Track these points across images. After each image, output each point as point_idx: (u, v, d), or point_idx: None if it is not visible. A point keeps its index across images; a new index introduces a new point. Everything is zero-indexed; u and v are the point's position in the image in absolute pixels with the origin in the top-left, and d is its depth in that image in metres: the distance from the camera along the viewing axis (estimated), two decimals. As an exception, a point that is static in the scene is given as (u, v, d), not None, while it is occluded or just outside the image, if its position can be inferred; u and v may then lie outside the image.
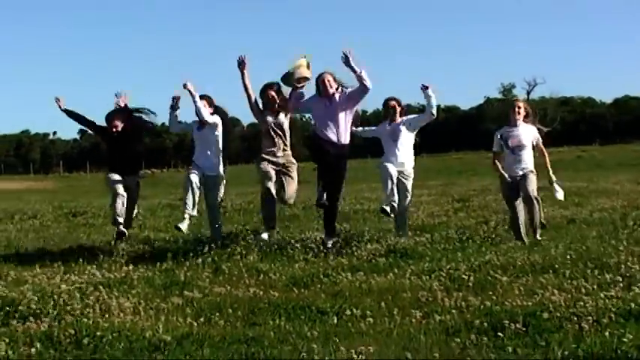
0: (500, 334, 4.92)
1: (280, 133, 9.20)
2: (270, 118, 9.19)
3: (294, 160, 9.31)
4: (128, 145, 10.13)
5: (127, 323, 5.36)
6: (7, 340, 4.89)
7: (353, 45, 9.12)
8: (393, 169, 9.42)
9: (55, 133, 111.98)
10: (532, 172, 9.26)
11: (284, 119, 9.25)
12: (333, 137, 8.95)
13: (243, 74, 9.20)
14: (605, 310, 5.19)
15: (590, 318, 5.05)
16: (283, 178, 9.18)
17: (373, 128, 10.31)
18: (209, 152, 9.55)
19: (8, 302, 5.86)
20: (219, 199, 9.79)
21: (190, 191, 9.27)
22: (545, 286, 6.11)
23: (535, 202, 9.10)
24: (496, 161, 9.55)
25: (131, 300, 6.08)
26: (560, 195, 9.67)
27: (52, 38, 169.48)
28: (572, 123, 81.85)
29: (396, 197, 9.33)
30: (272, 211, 9.26)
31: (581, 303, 5.37)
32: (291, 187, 9.22)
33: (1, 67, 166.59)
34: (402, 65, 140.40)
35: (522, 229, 9.25)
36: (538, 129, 9.54)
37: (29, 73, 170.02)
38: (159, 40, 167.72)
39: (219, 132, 9.55)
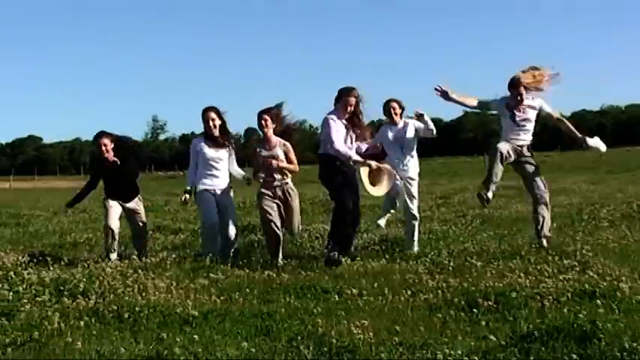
0: (475, 310, 4.91)
1: (264, 161, 7.47)
2: (264, 152, 7.49)
3: (292, 187, 7.63)
4: (124, 174, 8.04)
5: (161, 300, 5.35)
6: (59, 314, 4.90)
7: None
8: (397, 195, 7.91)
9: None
10: (532, 154, 7.68)
11: (278, 151, 7.51)
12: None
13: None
14: (564, 290, 5.18)
15: (551, 297, 5.05)
16: (284, 210, 7.53)
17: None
18: (223, 170, 7.70)
19: (61, 282, 5.87)
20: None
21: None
22: (514, 270, 6.10)
23: (546, 206, 7.60)
24: (465, 98, 7.75)
25: (165, 281, 6.06)
26: (601, 146, 7.80)
27: (100, 56, 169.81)
28: (537, 133, 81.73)
29: (383, 221, 8.29)
30: (277, 248, 7.44)
31: (544, 284, 5.36)
32: (295, 218, 7.64)
33: (57, 83, 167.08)
34: (390, 80, 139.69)
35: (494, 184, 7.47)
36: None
37: (82, 88, 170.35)
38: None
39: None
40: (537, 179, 7.64)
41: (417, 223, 7.91)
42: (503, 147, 7.41)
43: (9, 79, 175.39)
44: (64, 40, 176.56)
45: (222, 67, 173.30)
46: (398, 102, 8.02)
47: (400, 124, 7.94)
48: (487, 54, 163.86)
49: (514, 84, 7.50)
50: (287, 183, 7.58)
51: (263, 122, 7.52)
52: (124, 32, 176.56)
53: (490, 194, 7.46)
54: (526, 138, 7.67)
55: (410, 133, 7.87)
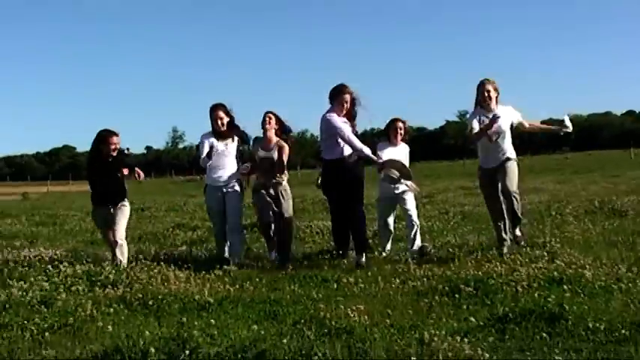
0: (457, 295, 4.90)
1: (270, 165, 6.77)
2: (261, 153, 6.83)
3: (286, 189, 6.87)
4: (116, 173, 6.84)
5: (181, 289, 5.35)
6: (91, 302, 4.90)
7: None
8: (391, 216, 7.19)
9: (128, 149, 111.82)
10: (512, 160, 6.45)
11: (274, 152, 6.78)
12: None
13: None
14: (535, 277, 5.17)
15: (523, 283, 5.03)
16: (277, 210, 6.79)
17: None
18: (230, 164, 6.93)
19: (93, 274, 5.86)
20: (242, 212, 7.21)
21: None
22: (491, 260, 6.08)
23: (514, 199, 6.40)
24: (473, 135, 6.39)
25: (184, 272, 6.06)
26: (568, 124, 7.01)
27: (125, 75, 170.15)
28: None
29: (389, 246, 7.24)
30: (271, 243, 7.00)
31: (517, 272, 5.35)
32: (284, 220, 6.79)
33: (89, 98, 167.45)
34: (381, 93, 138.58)
35: (504, 228, 6.55)
36: None
37: (111, 103, 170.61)
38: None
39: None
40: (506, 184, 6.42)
41: (416, 228, 7.10)
42: (489, 194, 6.53)
43: (47, 95, 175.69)
44: (93, 60, 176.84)
45: (235, 82, 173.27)
46: (403, 122, 7.11)
47: (400, 146, 7.11)
48: (454, 84, 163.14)
49: (480, 84, 6.47)
50: (281, 184, 6.84)
51: (267, 119, 6.84)
52: (148, 53, 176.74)
53: (507, 244, 6.50)
54: (501, 154, 6.45)
55: (407, 158, 7.12)
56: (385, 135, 7.20)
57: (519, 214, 6.56)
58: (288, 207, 6.87)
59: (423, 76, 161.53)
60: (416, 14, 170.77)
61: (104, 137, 6.77)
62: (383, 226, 7.27)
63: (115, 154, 6.79)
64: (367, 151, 6.46)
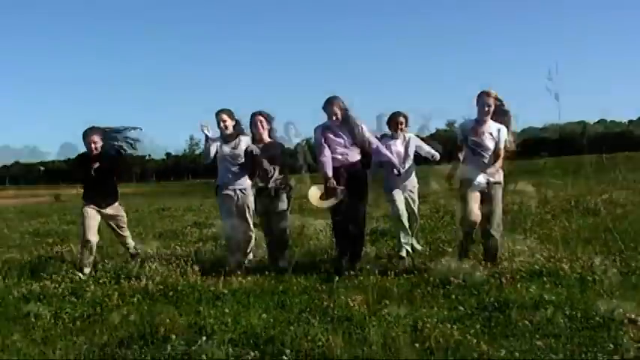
0: (447, 286, 4.90)
1: (259, 162, 6.02)
2: (261, 154, 6.05)
3: (290, 186, 6.18)
4: (108, 173, 6.34)
5: (198, 281, 5.35)
6: (117, 293, 4.91)
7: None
8: (403, 209, 6.50)
9: (149, 155, 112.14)
10: (499, 185, 5.72)
11: (258, 149, 6.02)
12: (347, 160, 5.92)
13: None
14: (517, 270, 5.17)
15: (507, 275, 5.03)
16: (271, 214, 6.11)
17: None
18: (238, 167, 6.18)
19: (119, 268, 5.87)
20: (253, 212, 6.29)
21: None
22: (477, 254, 6.07)
23: (494, 238, 5.54)
24: (458, 156, 5.77)
25: (200, 265, 6.05)
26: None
27: (148, 88, 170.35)
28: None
29: (410, 239, 6.58)
30: (276, 251, 6.20)
31: (502, 265, 5.36)
32: (280, 224, 6.10)
33: (119, 109, 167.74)
34: (374, 101, 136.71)
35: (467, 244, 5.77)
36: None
37: (138, 114, 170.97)
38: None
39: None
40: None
41: (417, 225, 6.75)
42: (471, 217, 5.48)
43: (78, 106, 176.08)
44: (119, 75, 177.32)
45: (242, 88, 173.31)
46: (405, 116, 6.65)
47: (402, 138, 6.63)
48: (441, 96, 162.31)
49: (482, 93, 5.67)
50: (274, 183, 6.08)
51: (258, 123, 6.10)
52: (170, 72, 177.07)
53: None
54: (489, 173, 5.67)
55: (411, 150, 6.67)
56: (388, 127, 6.70)
57: (496, 254, 5.58)
58: (281, 210, 6.12)
59: (413, 86, 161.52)
60: (409, 25, 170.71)
61: (84, 134, 6.26)
62: (397, 215, 6.48)
63: (96, 151, 6.22)
64: (326, 171, 5.77)
